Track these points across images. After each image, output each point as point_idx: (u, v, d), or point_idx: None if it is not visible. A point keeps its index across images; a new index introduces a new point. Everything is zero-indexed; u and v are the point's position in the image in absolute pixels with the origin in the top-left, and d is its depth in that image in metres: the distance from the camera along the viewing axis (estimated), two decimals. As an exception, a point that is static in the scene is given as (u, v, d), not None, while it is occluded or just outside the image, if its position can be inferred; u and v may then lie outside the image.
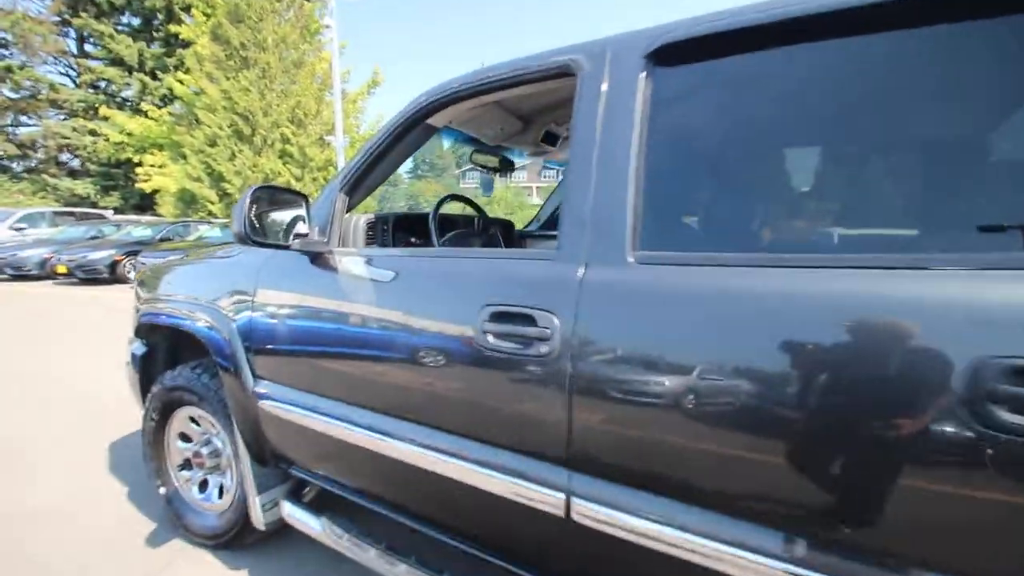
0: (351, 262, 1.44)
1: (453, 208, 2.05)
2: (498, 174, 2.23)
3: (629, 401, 0.96)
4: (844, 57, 0.91)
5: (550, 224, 2.80)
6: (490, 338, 1.12)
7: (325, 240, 1.49)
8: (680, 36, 1.05)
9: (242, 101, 13.80)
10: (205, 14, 15.66)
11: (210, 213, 14.13)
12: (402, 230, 1.85)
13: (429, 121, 1.50)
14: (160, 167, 16.51)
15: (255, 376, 1.65)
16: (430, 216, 1.79)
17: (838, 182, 1.01)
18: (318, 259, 1.50)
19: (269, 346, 1.59)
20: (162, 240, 11.10)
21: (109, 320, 6.66)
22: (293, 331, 1.53)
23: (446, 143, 2.07)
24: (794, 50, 0.94)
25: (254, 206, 1.38)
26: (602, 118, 1.10)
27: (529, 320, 1.07)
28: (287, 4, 14.39)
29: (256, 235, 1.39)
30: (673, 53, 1.07)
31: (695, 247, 1.02)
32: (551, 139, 2.04)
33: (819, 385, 0.80)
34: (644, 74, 1.08)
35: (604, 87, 1.12)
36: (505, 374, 1.12)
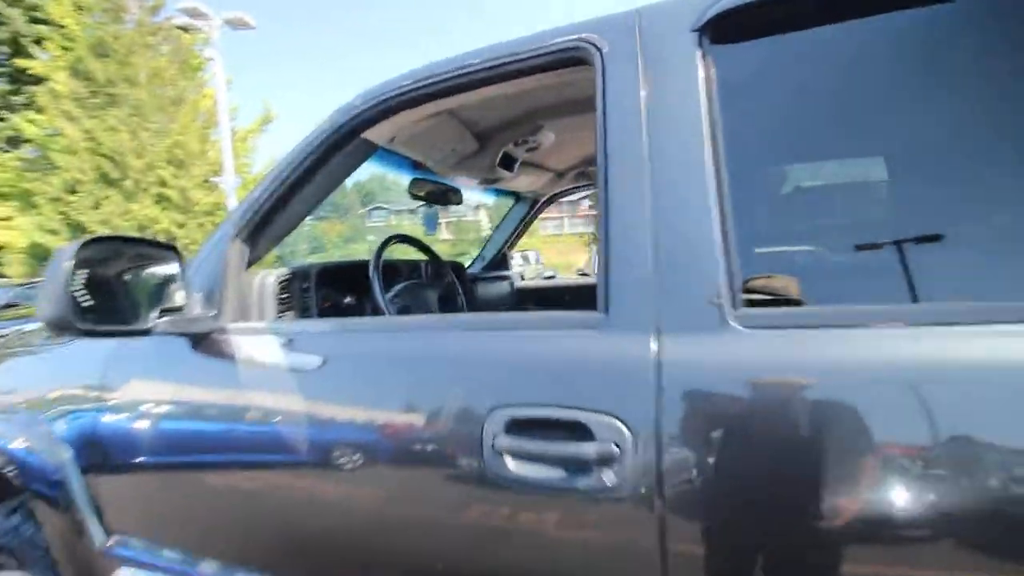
0: (258, 345, 0.95)
1: (391, 249, 1.60)
2: (440, 207, 1.82)
3: (778, 561, 0.58)
4: None
5: (498, 263, 2.41)
6: (508, 462, 0.69)
7: (213, 313, 0.99)
8: None
9: (109, 142, 12.24)
10: (63, 47, 13.87)
11: (71, 270, 12.18)
12: (329, 287, 1.37)
13: (367, 136, 1.07)
14: (5, 220, 14.13)
15: (106, 528, 1.07)
16: (371, 266, 1.32)
17: None
18: (203, 343, 0.99)
19: (129, 482, 1.04)
20: (7, 307, 9.25)
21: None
22: (168, 459, 0.99)
23: (372, 170, 1.64)
24: None
25: (80, 273, 0.85)
26: (647, 119, 0.74)
27: (577, 431, 0.66)
28: (162, 37, 13.15)
29: (86, 318, 0.85)
30: (741, 22, 0.74)
31: (847, 295, 0.66)
32: (508, 163, 1.68)
33: None
34: (701, 53, 0.74)
35: (642, 76, 0.76)
36: (540, 522, 0.69)
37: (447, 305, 1.64)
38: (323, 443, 0.84)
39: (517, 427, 0.70)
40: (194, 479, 1.00)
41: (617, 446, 0.64)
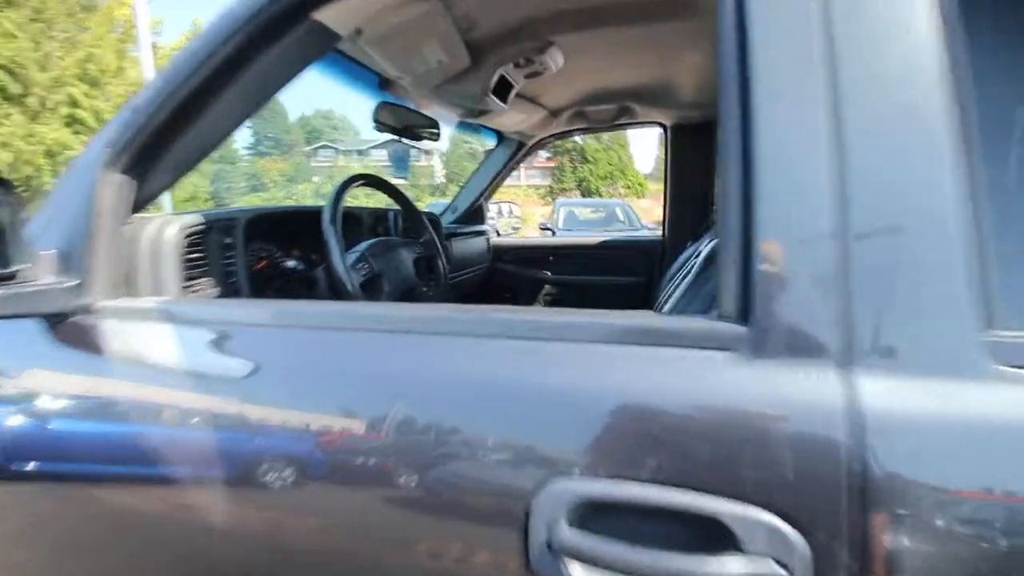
0: (150, 335, 0.61)
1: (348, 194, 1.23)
2: (413, 140, 1.45)
3: None
4: None
5: (472, 216, 2.07)
6: (575, 572, 0.41)
7: (74, 283, 0.63)
8: None
9: (6, 50, 10.59)
10: (-61, -71, 11.66)
11: (-35, 198, 10.72)
12: (265, 239, 0.99)
13: (320, 17, 0.70)
14: None
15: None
16: (325, 216, 0.95)
17: None
18: (58, 329, 0.63)
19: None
20: None
21: None
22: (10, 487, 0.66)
23: (318, 99, 1.23)
24: None
25: None
26: (822, 32, 0.42)
27: (705, 530, 0.39)
28: (66, -75, 11.26)
29: None
30: None
31: None
32: (503, 91, 1.32)
33: None
34: None
35: None
36: None
37: (426, 272, 1.31)
38: (253, 504, 0.52)
39: (591, 514, 0.41)
40: (53, 514, 0.67)
41: (781, 565, 0.37)
